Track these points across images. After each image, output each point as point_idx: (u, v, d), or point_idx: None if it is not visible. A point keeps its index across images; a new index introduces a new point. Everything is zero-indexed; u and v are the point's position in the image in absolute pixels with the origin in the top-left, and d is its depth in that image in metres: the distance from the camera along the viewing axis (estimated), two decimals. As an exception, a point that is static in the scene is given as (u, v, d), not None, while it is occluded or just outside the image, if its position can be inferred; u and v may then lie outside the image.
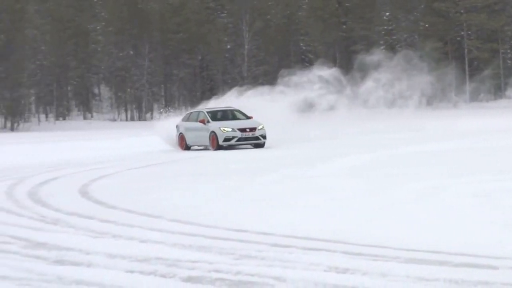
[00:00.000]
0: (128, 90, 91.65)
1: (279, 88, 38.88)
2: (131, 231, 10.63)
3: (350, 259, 8.13)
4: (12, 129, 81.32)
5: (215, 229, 10.46)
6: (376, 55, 46.83)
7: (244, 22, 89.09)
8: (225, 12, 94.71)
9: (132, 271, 8.08)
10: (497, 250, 8.22)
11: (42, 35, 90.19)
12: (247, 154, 26.42)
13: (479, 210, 11.12)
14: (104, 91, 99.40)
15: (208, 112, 31.00)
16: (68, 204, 13.99)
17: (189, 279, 7.64)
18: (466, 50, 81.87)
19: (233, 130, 29.63)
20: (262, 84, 42.42)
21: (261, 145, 29.98)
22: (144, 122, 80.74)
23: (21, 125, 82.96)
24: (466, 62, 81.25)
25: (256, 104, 34.58)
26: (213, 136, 29.79)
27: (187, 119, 31.96)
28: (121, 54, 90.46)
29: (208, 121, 30.27)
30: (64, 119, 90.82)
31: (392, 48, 76.66)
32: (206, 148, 30.62)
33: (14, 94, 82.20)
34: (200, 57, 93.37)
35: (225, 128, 29.71)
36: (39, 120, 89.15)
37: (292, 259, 8.30)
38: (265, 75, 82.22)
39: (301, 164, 20.46)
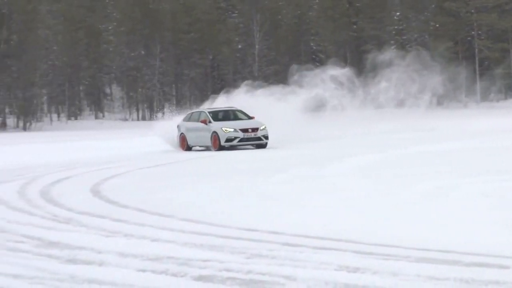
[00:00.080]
0: (140, 90, 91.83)
1: (289, 88, 38.79)
2: (142, 230, 10.67)
3: (361, 258, 8.15)
4: (24, 128, 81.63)
5: (226, 228, 10.49)
6: (387, 54, 46.79)
7: (255, 22, 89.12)
8: (236, 12, 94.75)
9: (143, 270, 8.11)
10: (508, 250, 8.22)
11: (54, 35, 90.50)
12: (253, 155, 26.31)
13: (489, 210, 11.12)
14: (116, 91, 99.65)
15: (209, 112, 30.67)
16: (80, 203, 14.05)
17: (200, 278, 7.67)
18: (476, 50, 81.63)
19: (235, 130, 29.35)
20: (273, 83, 42.39)
21: (263, 146, 29.71)
22: (155, 122, 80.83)
23: (34, 124, 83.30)
24: (477, 62, 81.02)
25: (265, 103, 34.46)
26: (215, 136, 29.49)
27: (188, 119, 31.60)
28: (132, 54, 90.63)
29: (210, 121, 29.98)
30: (76, 118, 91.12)
31: (402, 48, 76.49)
32: (207, 149, 30.37)
33: (27, 94, 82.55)
34: (211, 57, 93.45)
35: (227, 128, 29.42)
36: (51, 120, 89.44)
37: (302, 258, 8.32)
38: (276, 74, 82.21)
39: (310, 164, 20.45)
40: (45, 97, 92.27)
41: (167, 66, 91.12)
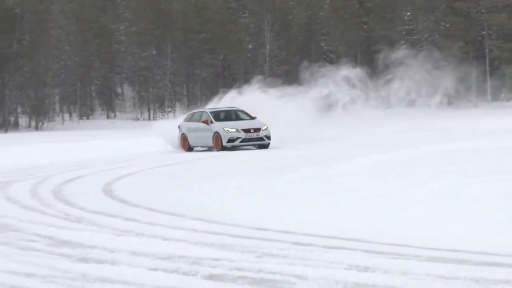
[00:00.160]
0: (151, 89, 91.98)
1: (299, 88, 38.67)
2: (154, 229, 10.72)
3: (371, 258, 8.17)
4: (36, 128, 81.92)
5: (237, 228, 10.52)
6: (398, 54, 46.71)
7: (265, 22, 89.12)
8: (247, 12, 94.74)
9: (155, 269, 8.15)
10: (517, 249, 8.24)
11: (66, 36, 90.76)
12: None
13: (499, 209, 11.12)
14: (127, 90, 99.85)
15: (211, 113, 30.34)
16: (91, 203, 14.11)
17: (211, 277, 7.70)
18: (487, 50, 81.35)
19: (237, 130, 29.04)
20: (284, 83, 42.34)
21: (265, 146, 29.39)
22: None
23: (46, 124, 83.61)
24: (487, 61, 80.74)
25: (273, 102, 34.26)
26: (217, 136, 29.18)
27: (189, 119, 31.25)
28: (144, 54, 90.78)
29: (212, 122, 29.64)
30: (87, 118, 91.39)
31: (413, 48, 76.31)
32: (209, 149, 30.09)
33: (39, 93, 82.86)
34: (222, 57, 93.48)
35: (229, 128, 29.12)
36: (63, 120, 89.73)
37: (313, 257, 8.35)
38: (287, 74, 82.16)
39: (320, 164, 20.46)
40: (57, 97, 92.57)
41: (178, 66, 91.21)
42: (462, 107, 65.65)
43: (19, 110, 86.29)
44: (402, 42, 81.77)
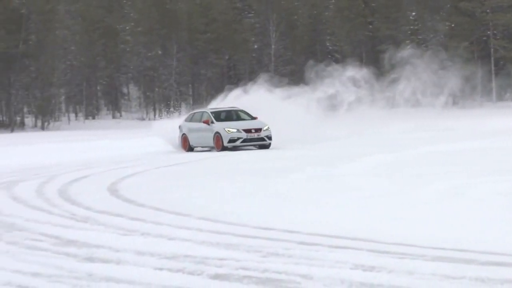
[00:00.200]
0: (156, 89, 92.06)
1: (304, 87, 38.62)
2: (159, 229, 10.74)
3: (377, 257, 8.18)
4: (42, 128, 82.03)
5: (242, 227, 10.54)
6: (403, 53, 46.65)
7: (271, 22, 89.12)
8: (252, 12, 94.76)
9: (160, 269, 8.17)
10: (523, 249, 8.24)
11: (72, 36, 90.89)
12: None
13: (504, 209, 11.12)
14: (133, 90, 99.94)
15: (212, 113, 30.17)
16: (97, 202, 14.14)
17: (216, 277, 7.72)
18: (492, 50, 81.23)
19: (238, 131, 28.87)
20: (289, 83, 42.26)
21: (266, 146, 29.23)
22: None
23: (52, 124, 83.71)
24: (492, 61, 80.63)
25: (276, 102, 34.16)
26: (218, 137, 29.03)
27: (190, 119, 31.11)
28: (149, 54, 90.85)
29: (212, 122, 29.48)
30: (93, 118, 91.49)
31: (418, 48, 76.25)
32: (210, 150, 29.98)
33: (45, 93, 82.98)
34: (227, 57, 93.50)
35: (230, 129, 28.97)
36: (69, 119, 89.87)
37: (318, 257, 8.36)
38: (292, 74, 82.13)
39: (326, 164, 20.45)
40: (63, 97, 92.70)
41: (183, 66, 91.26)
42: (467, 107, 65.57)
43: (25, 110, 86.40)
44: (407, 42, 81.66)
